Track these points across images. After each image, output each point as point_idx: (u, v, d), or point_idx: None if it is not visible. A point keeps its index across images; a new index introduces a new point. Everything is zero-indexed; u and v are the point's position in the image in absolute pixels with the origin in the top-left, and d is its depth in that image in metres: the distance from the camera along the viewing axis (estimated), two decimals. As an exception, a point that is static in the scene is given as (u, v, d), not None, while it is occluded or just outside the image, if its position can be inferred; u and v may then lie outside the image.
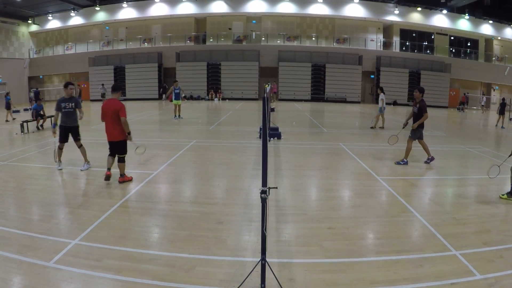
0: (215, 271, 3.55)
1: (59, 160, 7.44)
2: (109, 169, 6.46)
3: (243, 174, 7.20)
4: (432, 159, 8.23)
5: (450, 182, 7.08)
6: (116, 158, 6.52)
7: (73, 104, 7.31)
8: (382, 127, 14.52)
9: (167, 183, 6.62)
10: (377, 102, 14.92)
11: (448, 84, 31.71)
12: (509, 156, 6.06)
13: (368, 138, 12.42)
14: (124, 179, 6.52)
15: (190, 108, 23.96)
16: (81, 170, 7.31)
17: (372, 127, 14.47)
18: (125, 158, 6.56)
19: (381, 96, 14.38)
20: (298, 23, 33.49)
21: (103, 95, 28.30)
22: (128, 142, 6.50)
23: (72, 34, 35.55)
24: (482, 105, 29.59)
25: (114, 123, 6.26)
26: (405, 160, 8.10)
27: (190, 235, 4.33)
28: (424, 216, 5.00)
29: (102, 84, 29.31)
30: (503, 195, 5.87)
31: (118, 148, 6.45)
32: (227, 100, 30.73)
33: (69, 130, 7.39)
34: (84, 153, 7.54)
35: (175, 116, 16.46)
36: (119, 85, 6.66)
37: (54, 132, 7.43)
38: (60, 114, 7.37)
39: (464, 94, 30.16)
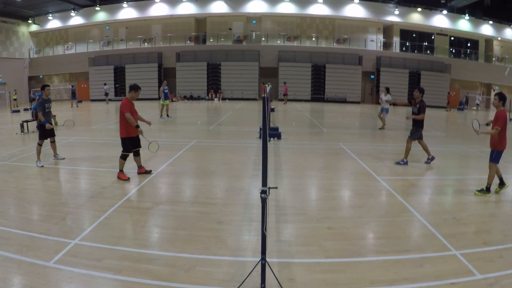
0: (215, 271, 3.55)
1: (39, 158, 7.76)
2: (139, 166, 6.94)
3: (243, 174, 7.20)
4: (432, 158, 8.23)
5: (450, 182, 7.08)
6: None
7: (50, 104, 8.09)
8: (381, 128, 14.51)
9: (167, 183, 6.62)
10: (377, 103, 14.93)
11: (448, 84, 31.69)
12: (486, 124, 6.46)
13: (368, 138, 12.42)
14: (119, 176, 6.61)
15: (190, 108, 23.97)
16: (38, 165, 7.59)
17: (381, 128, 14.46)
18: (126, 156, 6.67)
19: (387, 96, 14.40)
20: (298, 23, 33.48)
21: (106, 94, 28.30)
22: (141, 137, 6.76)
23: (72, 34, 35.54)
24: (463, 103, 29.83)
25: (119, 120, 6.61)
26: (405, 160, 8.11)
27: (190, 235, 4.33)
28: (424, 216, 5.00)
29: (104, 84, 29.36)
30: (496, 189, 6.19)
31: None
32: (227, 100, 30.72)
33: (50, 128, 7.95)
34: (54, 148, 8.20)
35: (161, 116, 16.39)
36: (132, 85, 6.75)
37: (51, 126, 7.83)
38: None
39: (449, 93, 30.12)
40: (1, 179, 6.63)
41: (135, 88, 6.67)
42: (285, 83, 28.53)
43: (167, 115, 16.59)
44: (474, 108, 31.26)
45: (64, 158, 8.19)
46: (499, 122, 5.75)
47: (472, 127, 6.53)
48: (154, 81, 31.46)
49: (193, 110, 22.42)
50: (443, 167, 8.12)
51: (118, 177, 6.61)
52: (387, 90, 14.67)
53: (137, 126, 6.49)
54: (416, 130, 8.02)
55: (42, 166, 7.53)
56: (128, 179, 6.58)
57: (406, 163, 8.06)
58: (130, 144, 6.65)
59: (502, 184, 6.16)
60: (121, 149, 6.71)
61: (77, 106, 25.26)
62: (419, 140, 8.20)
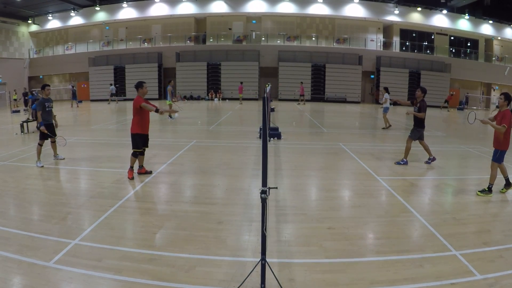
0: (215, 271, 3.55)
1: (39, 159, 7.75)
2: (140, 166, 6.96)
3: (243, 174, 7.20)
4: (433, 159, 8.22)
5: (450, 182, 7.08)
6: None
7: (52, 103, 8.07)
8: (385, 127, 14.55)
9: (167, 183, 6.63)
10: (377, 102, 14.97)
11: (448, 84, 31.69)
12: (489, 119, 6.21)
13: (368, 138, 12.42)
14: (128, 172, 6.70)
15: (190, 108, 23.97)
16: (38, 166, 7.60)
17: (384, 128, 14.50)
18: (137, 154, 6.71)
19: (385, 96, 14.48)
20: (298, 23, 33.48)
21: (112, 94, 28.35)
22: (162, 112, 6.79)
23: (72, 34, 35.54)
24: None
25: (133, 117, 6.68)
26: (405, 160, 8.10)
27: (190, 235, 4.33)
28: (424, 216, 5.00)
29: (111, 84, 29.41)
30: (502, 189, 6.16)
31: None
32: (227, 100, 30.71)
33: (51, 127, 7.96)
34: (55, 148, 8.19)
35: (170, 116, 16.40)
36: (136, 84, 6.76)
37: (45, 130, 7.78)
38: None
39: (451, 93, 29.94)
40: (1, 179, 6.63)
41: (140, 85, 6.68)
42: (301, 83, 28.48)
43: (169, 116, 16.54)
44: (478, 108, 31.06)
45: (64, 158, 8.19)
46: (505, 120, 5.70)
47: (467, 120, 6.47)
48: (154, 81, 31.47)
49: (193, 110, 22.41)
50: (443, 167, 8.11)
51: (127, 173, 6.73)
52: (386, 90, 14.81)
53: (157, 110, 6.55)
54: (416, 130, 8.02)
55: (42, 167, 7.52)
56: (132, 178, 6.60)
57: (406, 163, 8.06)
58: (140, 141, 6.68)
59: (508, 184, 6.15)
60: (121, 149, 6.72)
61: (78, 106, 25.29)
62: (420, 140, 8.19)
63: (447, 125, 18.12)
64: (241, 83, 27.28)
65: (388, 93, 14.66)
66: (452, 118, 21.85)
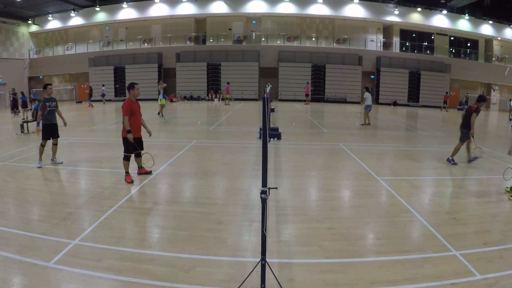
0: (215, 271, 3.55)
1: (41, 159, 7.69)
2: (139, 167, 6.91)
3: (243, 174, 7.20)
4: (452, 160, 8.33)
5: (450, 182, 7.08)
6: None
7: (54, 103, 7.85)
8: (364, 124, 15.25)
9: (167, 183, 6.62)
10: (377, 102, 15.27)
11: (448, 84, 31.71)
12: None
13: (368, 138, 12.42)
14: (125, 178, 6.50)
15: (190, 108, 23.98)
16: (38, 167, 7.54)
17: (363, 124, 15.35)
18: (128, 157, 6.50)
19: (365, 95, 15.41)
20: (298, 24, 33.49)
21: (103, 95, 28.36)
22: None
23: (72, 35, 35.56)
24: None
25: (122, 120, 6.53)
26: (472, 158, 8.43)
27: (190, 235, 4.33)
28: (424, 216, 5.01)
29: (103, 85, 29.43)
30: (507, 187, 6.17)
31: None
32: (227, 100, 30.70)
33: (53, 127, 7.83)
34: (55, 151, 7.99)
35: (162, 116, 16.79)
36: (128, 85, 6.69)
37: (39, 130, 7.69)
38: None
39: (446, 92, 29.96)
40: (1, 179, 6.63)
41: (131, 86, 6.60)
42: (307, 83, 28.40)
43: (161, 115, 16.78)
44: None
45: (62, 162, 7.92)
46: None
47: (503, 177, 6.54)
48: (154, 82, 31.43)
49: (193, 111, 22.42)
50: (443, 167, 8.12)
51: (125, 179, 6.52)
52: (366, 89, 15.77)
53: (129, 131, 6.30)
54: (461, 132, 8.36)
55: (40, 167, 7.49)
56: (132, 182, 6.42)
57: (474, 159, 8.42)
58: (132, 144, 6.43)
59: None
60: (121, 149, 6.65)
61: (92, 106, 25.17)
62: (463, 142, 8.41)
63: (446, 125, 18.11)
64: (228, 83, 26.99)
65: (369, 92, 15.31)
66: (451, 118, 21.83)
